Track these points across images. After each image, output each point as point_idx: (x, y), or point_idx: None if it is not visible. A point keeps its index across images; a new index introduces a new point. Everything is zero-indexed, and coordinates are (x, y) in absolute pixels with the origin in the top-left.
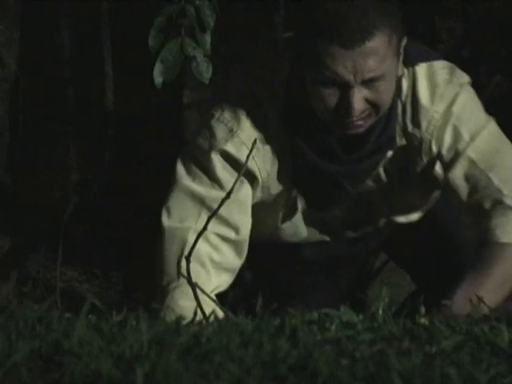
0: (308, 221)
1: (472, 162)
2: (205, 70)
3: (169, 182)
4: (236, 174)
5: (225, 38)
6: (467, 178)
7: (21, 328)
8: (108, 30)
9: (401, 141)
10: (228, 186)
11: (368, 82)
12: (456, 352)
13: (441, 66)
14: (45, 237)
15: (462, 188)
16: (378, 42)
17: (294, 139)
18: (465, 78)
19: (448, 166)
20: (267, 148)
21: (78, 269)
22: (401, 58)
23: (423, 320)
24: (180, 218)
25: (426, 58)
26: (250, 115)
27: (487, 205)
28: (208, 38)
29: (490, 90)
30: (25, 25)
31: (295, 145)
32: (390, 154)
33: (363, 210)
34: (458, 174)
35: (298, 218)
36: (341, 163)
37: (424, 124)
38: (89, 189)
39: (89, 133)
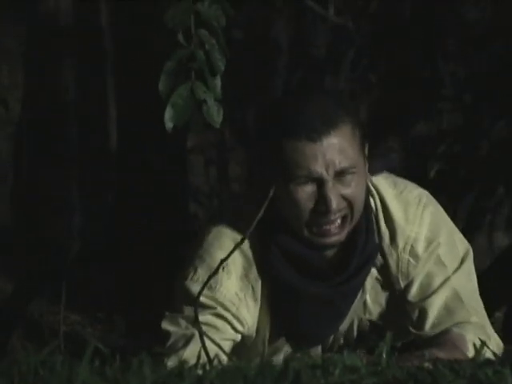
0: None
1: (455, 293)
2: (216, 114)
3: (172, 231)
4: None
5: None
6: (445, 307)
7: (24, 372)
8: (112, 72)
9: (378, 260)
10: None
11: (340, 176)
12: None
13: (405, 184)
14: (48, 280)
15: (431, 317)
16: (343, 133)
17: (280, 274)
18: (425, 192)
19: (426, 292)
20: (249, 294)
21: (81, 313)
22: (366, 166)
23: (427, 364)
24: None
25: (389, 176)
26: (227, 263)
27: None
28: (218, 82)
29: (493, 134)
30: (28, 67)
31: (283, 280)
32: (374, 272)
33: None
34: (436, 301)
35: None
36: (331, 285)
37: (401, 244)
38: (92, 232)
39: (92, 175)
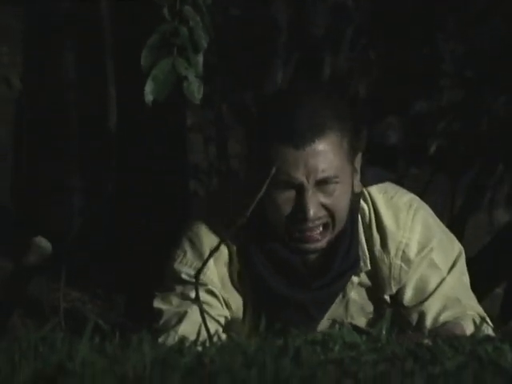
0: None
1: (451, 293)
2: (196, 91)
3: (172, 205)
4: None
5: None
6: (443, 307)
7: (24, 349)
8: (111, 52)
9: (366, 267)
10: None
11: (322, 185)
12: (459, 373)
13: (396, 190)
14: (48, 258)
15: (430, 319)
16: (329, 141)
17: (258, 271)
18: (416, 198)
19: (422, 296)
20: (232, 282)
21: (81, 290)
22: (357, 175)
23: (426, 340)
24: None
25: (381, 181)
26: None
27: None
28: (200, 59)
29: (494, 111)
30: (28, 48)
31: (259, 276)
32: (355, 279)
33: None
34: (434, 303)
35: None
36: (308, 290)
37: (393, 250)
38: (92, 211)
39: (92, 155)
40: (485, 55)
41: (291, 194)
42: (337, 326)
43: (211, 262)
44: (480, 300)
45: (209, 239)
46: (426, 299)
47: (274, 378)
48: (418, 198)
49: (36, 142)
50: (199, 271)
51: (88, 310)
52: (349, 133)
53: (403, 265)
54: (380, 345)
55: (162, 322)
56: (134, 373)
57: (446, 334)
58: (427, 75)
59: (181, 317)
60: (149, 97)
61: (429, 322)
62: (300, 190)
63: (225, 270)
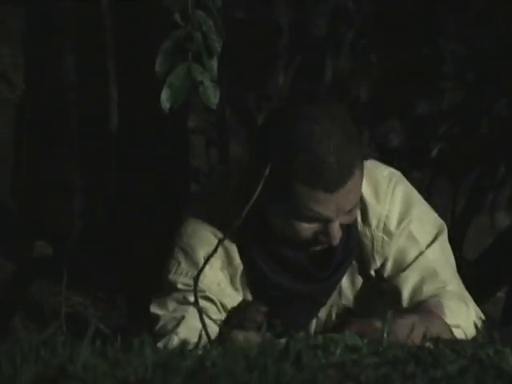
0: None
1: (429, 266)
2: (212, 95)
3: (173, 206)
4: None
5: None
6: (420, 281)
7: (25, 352)
8: (113, 53)
9: None
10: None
11: (346, 212)
12: (461, 376)
13: (376, 165)
14: (49, 261)
15: (406, 293)
16: (356, 177)
17: (260, 269)
18: (397, 172)
19: (400, 268)
20: (230, 285)
21: (82, 293)
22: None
23: (428, 344)
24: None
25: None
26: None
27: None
28: (215, 63)
29: (494, 112)
30: (29, 49)
31: (262, 275)
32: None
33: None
34: (411, 276)
35: None
36: (316, 282)
37: (374, 222)
38: (93, 214)
39: (93, 157)
40: (485, 56)
41: (315, 224)
42: (334, 309)
43: (206, 269)
44: (482, 304)
45: (201, 246)
46: (404, 270)
47: (276, 381)
48: (398, 172)
49: (36, 142)
50: (198, 273)
51: (90, 314)
52: (360, 152)
53: (385, 237)
54: (381, 348)
55: (158, 327)
56: (135, 376)
57: (424, 312)
58: (428, 77)
59: (178, 322)
60: (165, 104)
61: (406, 294)
62: (326, 222)
63: (221, 275)
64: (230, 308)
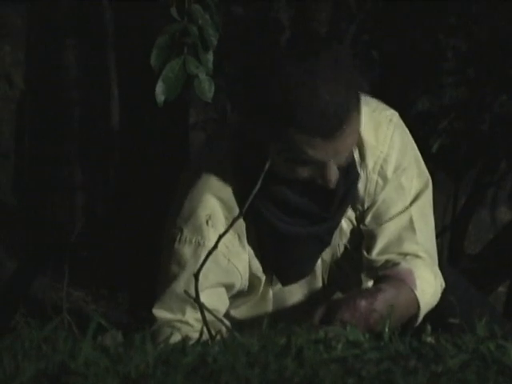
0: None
1: (409, 222)
2: (207, 89)
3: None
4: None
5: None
6: (396, 235)
7: (27, 348)
8: (114, 51)
9: None
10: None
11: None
12: (462, 371)
13: (377, 104)
14: (51, 257)
15: (381, 242)
16: (353, 120)
17: (266, 216)
18: (396, 113)
19: (382, 218)
20: (236, 243)
21: (84, 289)
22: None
23: (429, 339)
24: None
25: (363, 92)
26: (210, 216)
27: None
28: (210, 57)
29: (495, 108)
30: (30, 47)
31: (268, 222)
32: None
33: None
34: (390, 228)
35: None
36: (323, 222)
37: (370, 164)
38: (95, 210)
39: (94, 154)
40: (485, 52)
41: (312, 166)
42: (338, 249)
43: (210, 230)
44: None
45: (201, 208)
46: (385, 221)
47: (277, 377)
48: (397, 114)
49: (37, 140)
50: (199, 270)
51: (91, 309)
52: (357, 88)
53: (379, 180)
54: (383, 343)
55: (154, 328)
56: (137, 372)
57: (395, 282)
58: (429, 73)
59: (174, 330)
60: (160, 98)
61: (380, 244)
62: (322, 165)
63: (227, 236)
64: (239, 269)
